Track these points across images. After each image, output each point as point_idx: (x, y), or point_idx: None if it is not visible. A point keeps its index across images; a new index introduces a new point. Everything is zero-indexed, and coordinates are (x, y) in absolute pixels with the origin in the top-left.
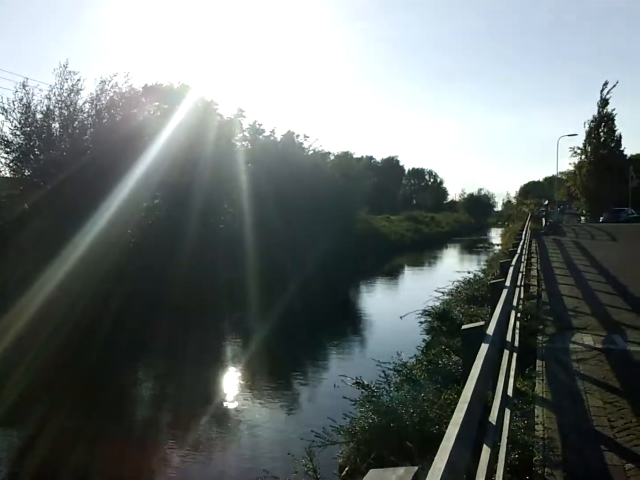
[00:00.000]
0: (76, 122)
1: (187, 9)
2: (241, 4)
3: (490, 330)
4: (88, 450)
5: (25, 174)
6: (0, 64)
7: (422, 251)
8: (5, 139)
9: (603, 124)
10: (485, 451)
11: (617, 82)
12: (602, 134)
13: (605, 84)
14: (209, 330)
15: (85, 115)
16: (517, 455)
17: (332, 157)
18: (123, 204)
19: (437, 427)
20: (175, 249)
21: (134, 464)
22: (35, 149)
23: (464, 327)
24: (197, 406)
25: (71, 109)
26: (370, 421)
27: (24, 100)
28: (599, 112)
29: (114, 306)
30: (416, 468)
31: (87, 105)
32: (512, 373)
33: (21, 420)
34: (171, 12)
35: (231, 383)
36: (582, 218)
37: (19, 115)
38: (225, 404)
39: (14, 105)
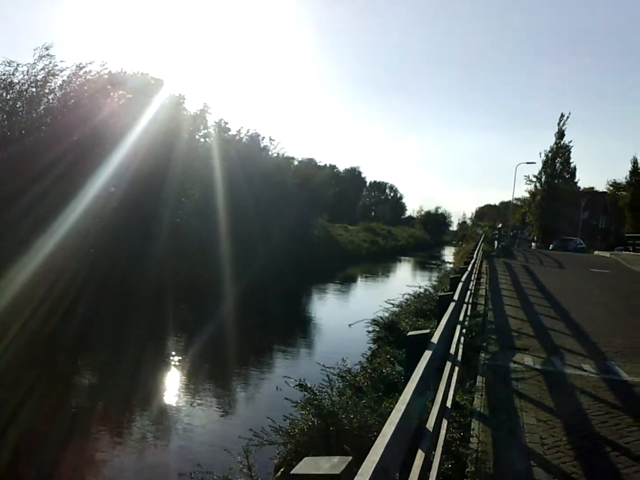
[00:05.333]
0: (43, 103)
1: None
2: (209, 3)
3: (434, 339)
4: (14, 441)
5: None
6: None
7: (377, 263)
8: None
9: (559, 155)
10: (420, 456)
11: (570, 114)
12: (557, 164)
13: (562, 115)
14: (154, 327)
15: (52, 96)
16: (450, 465)
17: (296, 163)
18: (84, 192)
19: (375, 433)
20: (126, 242)
21: (62, 459)
22: None
23: (409, 333)
24: (135, 402)
25: (37, 88)
26: (310, 424)
27: None
28: (555, 143)
29: (59, 300)
30: (350, 458)
31: (54, 87)
32: (452, 385)
33: None
34: (139, 4)
35: (172, 380)
36: (533, 244)
37: None
38: (164, 401)
39: None
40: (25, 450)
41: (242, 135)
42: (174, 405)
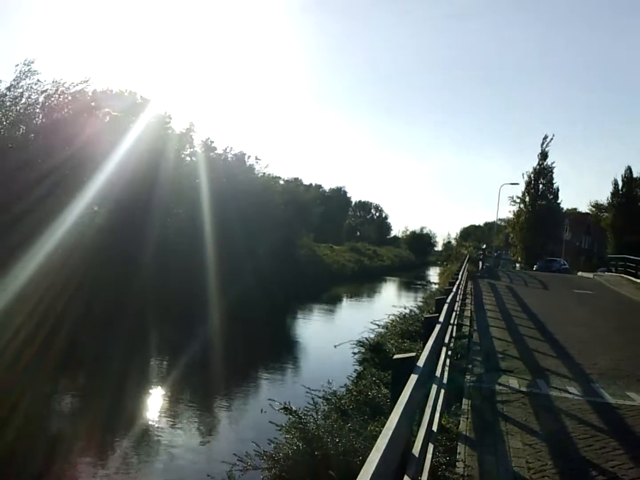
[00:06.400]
0: (25, 122)
1: (141, 19)
2: (196, 21)
3: (420, 362)
4: None
5: None
6: None
7: (362, 283)
8: None
9: (542, 176)
10: None
11: (554, 136)
12: (541, 185)
13: (545, 137)
14: (138, 348)
15: (35, 114)
16: None
17: (282, 182)
18: (67, 212)
19: (361, 457)
20: (110, 262)
21: None
22: None
23: (395, 356)
24: (117, 425)
25: (20, 106)
26: (295, 448)
27: None
28: (539, 164)
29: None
30: None
31: (38, 104)
32: (438, 408)
33: None
34: (125, 22)
35: (155, 402)
36: (517, 265)
37: None
38: (146, 424)
39: None
40: (2, 475)
41: (228, 154)
42: (157, 428)
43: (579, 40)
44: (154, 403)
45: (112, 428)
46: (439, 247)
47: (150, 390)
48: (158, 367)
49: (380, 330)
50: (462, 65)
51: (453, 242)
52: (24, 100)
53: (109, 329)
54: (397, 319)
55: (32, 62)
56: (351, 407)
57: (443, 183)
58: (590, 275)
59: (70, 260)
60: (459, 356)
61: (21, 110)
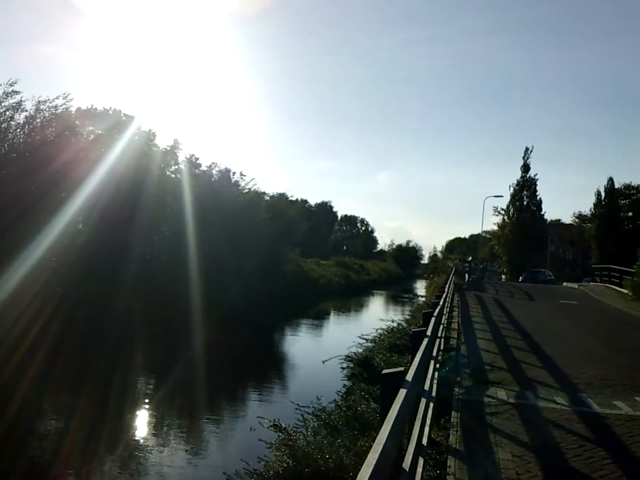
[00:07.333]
0: (7, 140)
1: (126, 37)
2: (179, 38)
3: (409, 376)
4: None
5: None
6: None
7: (349, 297)
8: None
9: (526, 188)
10: None
11: (533, 148)
12: (525, 197)
13: (527, 149)
14: (122, 368)
15: (17, 133)
16: None
17: (267, 198)
18: (50, 230)
19: (351, 474)
20: (94, 280)
21: None
22: None
23: (384, 371)
24: (102, 447)
25: (2, 125)
26: (285, 465)
27: None
28: (522, 177)
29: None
30: None
31: (20, 123)
32: (428, 422)
33: None
34: (111, 39)
35: (141, 423)
36: (503, 276)
37: None
38: (132, 445)
39: None
40: None
41: (213, 171)
42: (144, 449)
43: (566, 56)
44: (141, 423)
45: (98, 449)
46: (425, 260)
47: (136, 411)
48: (143, 387)
49: (369, 344)
50: (447, 82)
51: (439, 255)
52: (4, 118)
53: (91, 350)
54: (385, 332)
55: (15, 83)
56: (341, 422)
57: (428, 196)
58: (575, 285)
59: (52, 278)
60: (447, 369)
61: (2, 129)
